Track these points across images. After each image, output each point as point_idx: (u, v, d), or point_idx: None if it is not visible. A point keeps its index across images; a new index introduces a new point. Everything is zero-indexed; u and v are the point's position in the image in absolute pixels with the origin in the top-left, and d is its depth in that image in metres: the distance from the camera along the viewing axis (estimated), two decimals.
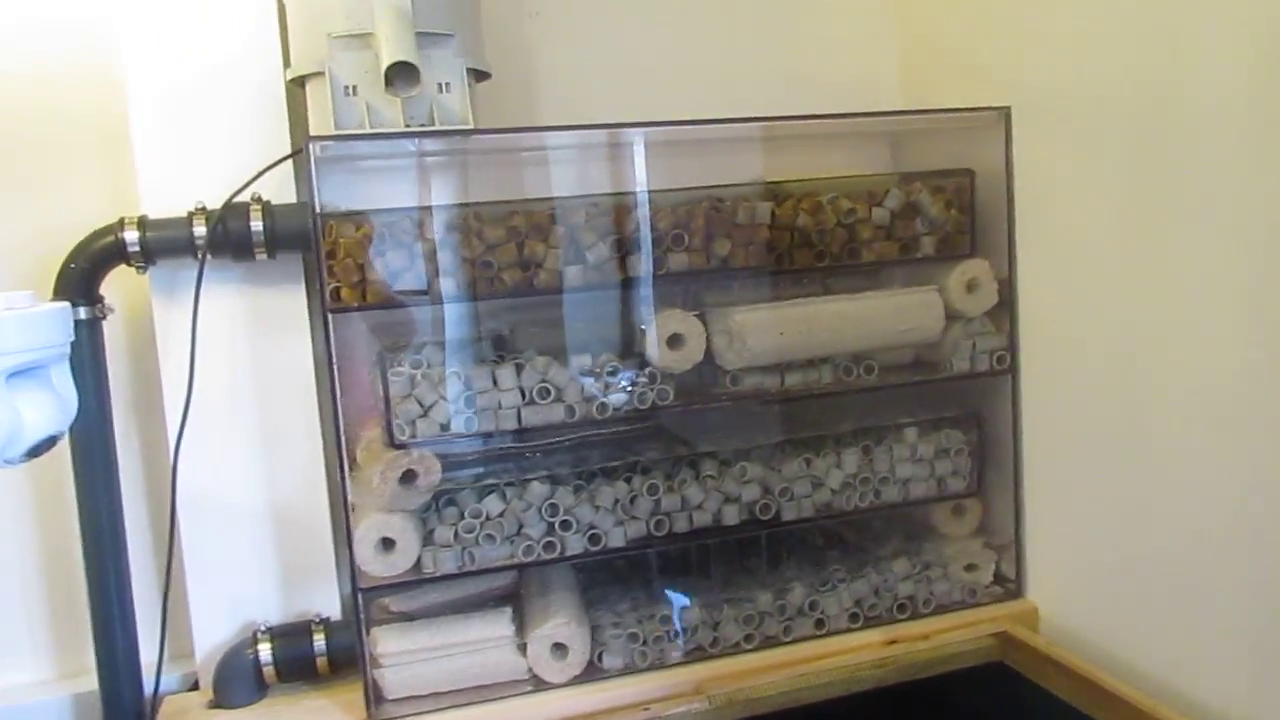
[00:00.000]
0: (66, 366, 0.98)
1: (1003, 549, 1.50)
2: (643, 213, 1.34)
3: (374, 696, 1.31)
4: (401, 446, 1.29)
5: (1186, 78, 1.13)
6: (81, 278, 1.28)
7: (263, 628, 1.38)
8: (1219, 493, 1.15)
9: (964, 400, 1.50)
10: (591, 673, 1.36)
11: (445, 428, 1.29)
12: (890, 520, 1.55)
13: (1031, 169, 1.40)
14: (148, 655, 1.38)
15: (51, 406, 0.96)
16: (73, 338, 0.98)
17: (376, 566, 1.30)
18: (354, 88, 1.25)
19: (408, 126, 1.26)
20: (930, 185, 1.44)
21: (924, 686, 1.37)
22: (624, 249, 1.33)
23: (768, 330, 1.38)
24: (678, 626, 1.39)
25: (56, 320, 0.95)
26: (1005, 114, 1.42)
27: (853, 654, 1.39)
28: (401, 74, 1.21)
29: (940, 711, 1.38)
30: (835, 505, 1.44)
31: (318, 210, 1.23)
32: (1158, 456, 1.23)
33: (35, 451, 0.95)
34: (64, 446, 1.29)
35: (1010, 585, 1.50)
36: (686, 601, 1.42)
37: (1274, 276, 1.05)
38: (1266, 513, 1.09)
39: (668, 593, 1.43)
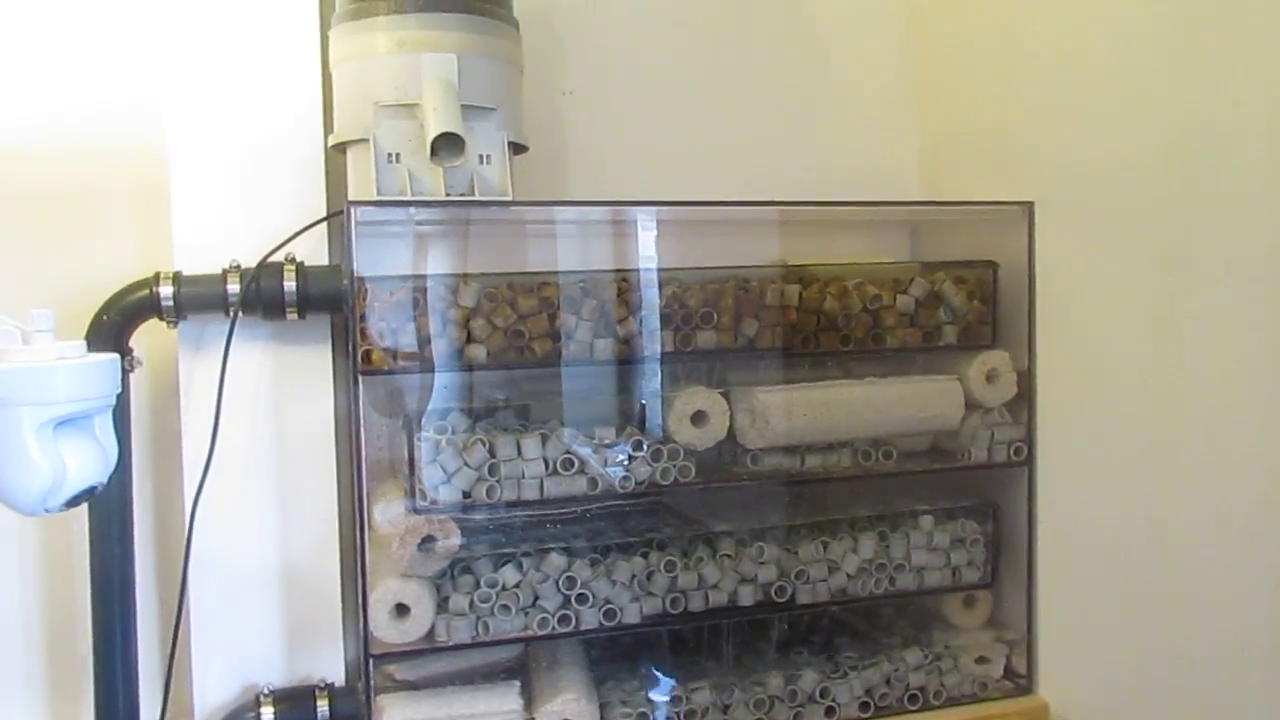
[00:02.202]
0: (110, 418, 0.98)
1: (1015, 643, 1.50)
2: (673, 290, 1.35)
3: None
4: (423, 512, 1.28)
5: (1208, 174, 1.16)
6: (113, 330, 1.28)
7: (266, 690, 1.35)
8: (1236, 600, 1.15)
9: (980, 490, 1.51)
10: None
11: (468, 495, 1.29)
12: (901, 609, 1.55)
13: (1053, 262, 1.43)
14: (146, 713, 1.36)
15: (95, 457, 0.96)
16: (119, 389, 0.97)
17: (390, 633, 1.28)
18: (397, 155, 1.27)
19: (448, 195, 1.27)
20: (953, 275, 1.47)
21: None
22: (652, 325, 1.34)
23: (790, 411, 1.39)
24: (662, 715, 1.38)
25: (105, 371, 0.95)
26: (1029, 209, 1.44)
27: None
28: (446, 144, 1.23)
29: None
30: (850, 590, 1.43)
31: (355, 273, 1.24)
32: (1174, 557, 1.23)
33: (74, 501, 0.95)
34: None
35: (1021, 680, 1.49)
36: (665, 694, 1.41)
37: None
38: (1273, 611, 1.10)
39: (659, 674, 1.42)
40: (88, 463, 0.94)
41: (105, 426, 0.97)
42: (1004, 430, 1.46)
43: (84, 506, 1.29)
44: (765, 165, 1.66)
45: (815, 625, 1.51)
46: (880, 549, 1.44)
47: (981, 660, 1.49)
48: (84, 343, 0.96)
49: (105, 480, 0.97)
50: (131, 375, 1.31)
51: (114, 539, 1.30)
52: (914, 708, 1.45)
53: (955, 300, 1.45)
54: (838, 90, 1.69)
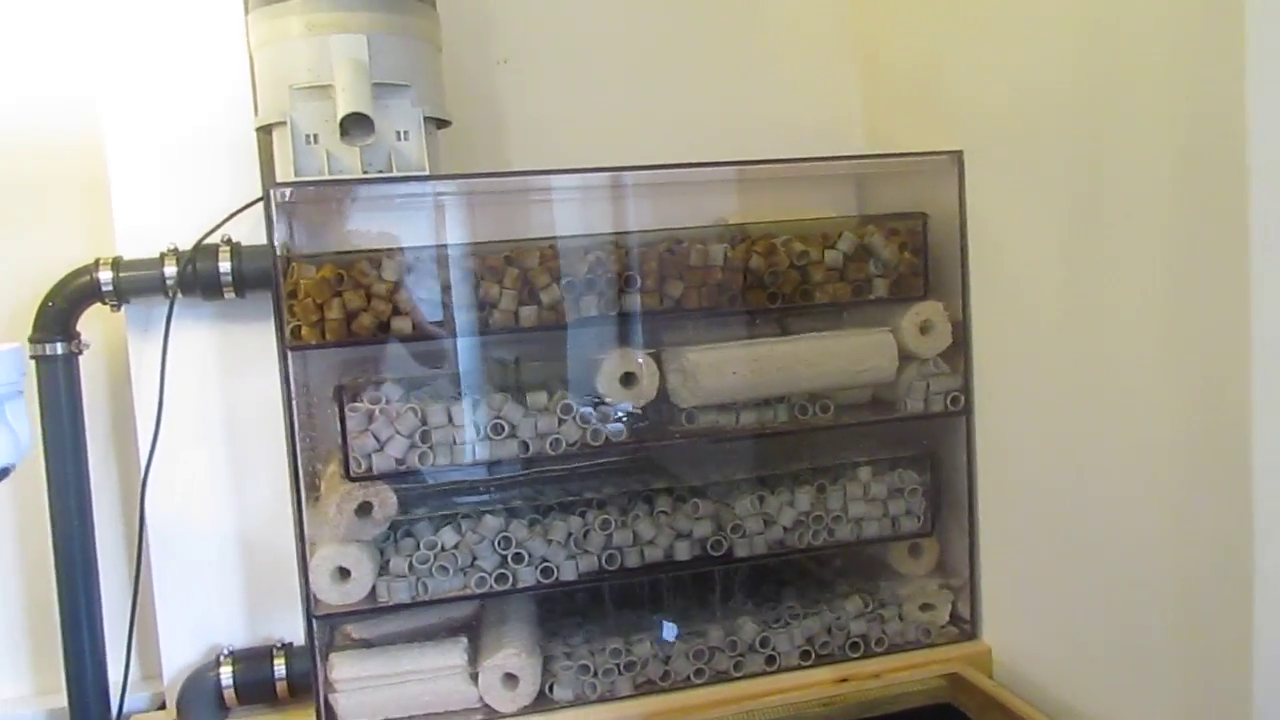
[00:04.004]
0: (21, 403, 1.04)
1: (959, 589, 1.51)
2: (596, 256, 1.38)
3: None
4: (358, 479, 1.33)
5: (1121, 121, 1.15)
6: (59, 315, 1.35)
7: (226, 651, 1.43)
8: (1151, 537, 1.16)
9: (919, 440, 1.52)
10: (541, 703, 1.39)
11: (401, 462, 1.34)
12: (848, 559, 1.57)
13: (984, 211, 1.42)
14: (118, 674, 1.44)
15: (5, 441, 1.02)
16: (23, 375, 1.03)
17: (332, 595, 1.34)
18: (315, 136, 1.31)
19: (365, 173, 1.31)
20: (884, 228, 1.47)
21: None
22: (579, 290, 1.37)
23: (720, 369, 1.41)
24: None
25: (10, 360, 1.01)
26: (958, 157, 1.44)
27: (803, 691, 1.41)
28: (357, 124, 1.26)
29: None
30: (788, 543, 1.46)
31: (278, 253, 1.29)
32: (1098, 499, 1.24)
33: None
34: (39, 474, 1.36)
35: (965, 626, 1.50)
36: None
37: (1193, 316, 1.06)
38: (1196, 558, 1.10)
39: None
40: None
41: (16, 410, 1.03)
42: (940, 380, 1.47)
43: (43, 483, 1.37)
44: (711, 125, 1.66)
45: (758, 578, 1.54)
46: (817, 501, 1.46)
47: (926, 607, 1.51)
48: None
49: (17, 461, 1.03)
50: (81, 358, 1.38)
51: (73, 514, 1.38)
52: (855, 655, 1.47)
53: (885, 253, 1.46)
54: (779, 46, 1.68)
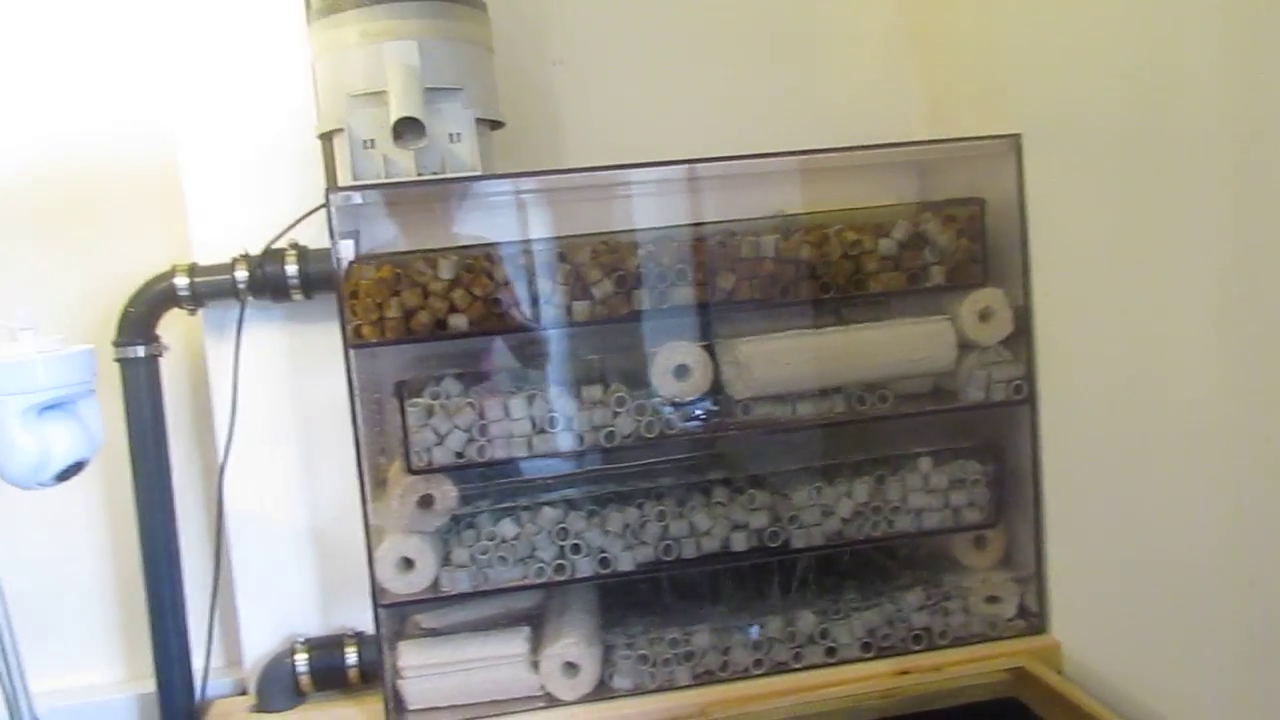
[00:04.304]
0: (93, 401, 1.11)
1: (1027, 582, 1.48)
2: (647, 250, 1.39)
3: (395, 706, 1.40)
4: (419, 473, 1.38)
5: (1183, 103, 1.11)
6: (139, 320, 1.42)
7: (301, 639, 1.49)
8: (1219, 530, 1.12)
9: (982, 430, 1.49)
10: (601, 692, 1.41)
11: (460, 455, 1.38)
12: (909, 551, 1.55)
13: (1045, 196, 1.39)
14: (202, 662, 1.51)
15: (78, 436, 1.09)
16: (95, 374, 1.10)
17: (397, 584, 1.39)
18: (372, 141, 1.35)
19: (420, 175, 1.35)
20: (941, 214, 1.45)
21: (932, 718, 1.37)
22: (628, 285, 1.39)
23: (774, 361, 1.41)
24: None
25: (82, 361, 1.08)
26: (1016, 142, 1.41)
27: (862, 683, 1.40)
28: (409, 128, 1.30)
29: None
30: (846, 534, 1.45)
31: (340, 255, 1.34)
32: (1165, 489, 1.20)
33: (64, 475, 1.08)
34: (127, 473, 1.44)
35: (1033, 620, 1.47)
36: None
37: (1258, 300, 1.03)
38: (1266, 550, 1.06)
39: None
40: (72, 441, 1.07)
41: (89, 408, 1.10)
42: (1002, 369, 1.44)
43: (130, 481, 1.45)
44: (768, 117, 1.66)
45: (818, 569, 1.53)
46: (876, 492, 1.45)
47: (992, 600, 1.48)
48: (62, 337, 1.09)
49: (91, 456, 1.10)
50: (163, 360, 1.45)
51: (156, 508, 1.45)
52: (917, 647, 1.46)
53: (941, 240, 1.44)
54: (836, 33, 1.67)
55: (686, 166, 1.48)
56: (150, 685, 1.52)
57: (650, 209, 1.51)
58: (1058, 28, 1.32)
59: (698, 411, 1.43)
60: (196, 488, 1.57)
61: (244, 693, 1.53)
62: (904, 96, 1.67)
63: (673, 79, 1.63)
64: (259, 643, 1.51)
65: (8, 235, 1.51)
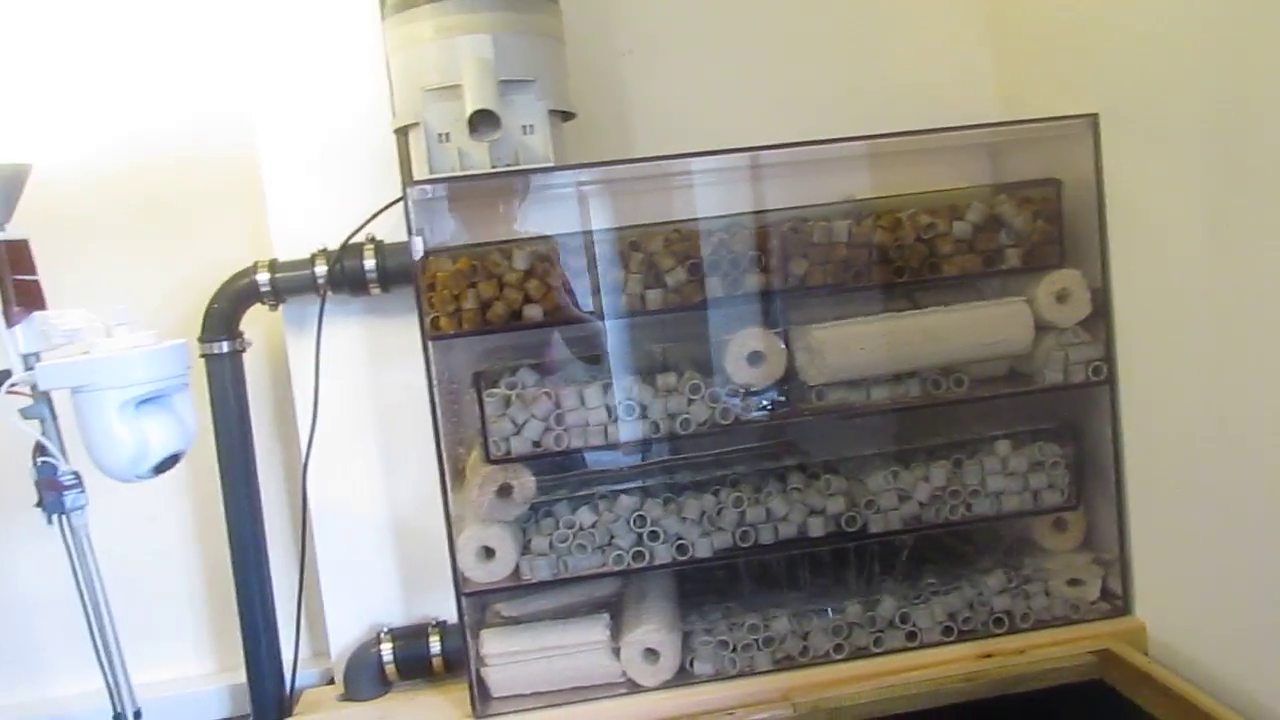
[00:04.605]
0: (187, 394, 1.14)
1: (1110, 564, 1.47)
2: (720, 237, 1.40)
3: (479, 694, 1.42)
4: (497, 462, 1.39)
5: (1268, 78, 1.10)
6: (223, 316, 1.45)
7: (385, 629, 1.51)
8: None
9: (1060, 412, 1.48)
10: (682, 677, 1.42)
11: (537, 444, 1.39)
12: (988, 534, 1.54)
13: (1123, 176, 1.38)
14: (291, 653, 1.54)
15: (174, 429, 1.12)
16: (189, 368, 1.13)
17: (478, 573, 1.41)
18: (447, 135, 1.37)
19: (494, 167, 1.36)
20: (1016, 197, 1.44)
21: (1016, 702, 1.36)
22: (703, 272, 1.39)
23: (847, 346, 1.41)
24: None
25: (176, 355, 1.11)
26: (1093, 121, 1.39)
27: (944, 666, 1.40)
28: (484, 120, 1.32)
29: None
30: (924, 518, 1.45)
31: (418, 247, 1.36)
32: (1254, 466, 1.18)
33: (161, 468, 1.11)
34: (214, 468, 1.47)
35: (1117, 602, 1.46)
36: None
37: None
38: None
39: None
40: (168, 434, 1.10)
41: (183, 401, 1.13)
42: (1080, 350, 1.43)
43: (217, 475, 1.48)
44: (839, 102, 1.65)
45: (896, 554, 1.52)
46: (954, 475, 1.45)
47: (1075, 583, 1.47)
48: (155, 332, 1.12)
49: (187, 448, 1.13)
50: (245, 355, 1.48)
51: (242, 500, 1.48)
52: (999, 631, 1.45)
53: (1017, 222, 1.43)
54: (907, 16, 1.66)
55: (755, 153, 1.48)
56: (240, 676, 1.55)
57: (719, 197, 1.51)
58: (1137, 5, 1.30)
59: (768, 399, 1.43)
60: (278, 481, 1.60)
61: (331, 682, 1.56)
62: (975, 78, 1.66)
63: (741, 67, 1.63)
64: (344, 633, 1.54)
65: (92, 234, 1.55)
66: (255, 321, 1.52)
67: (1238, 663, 1.26)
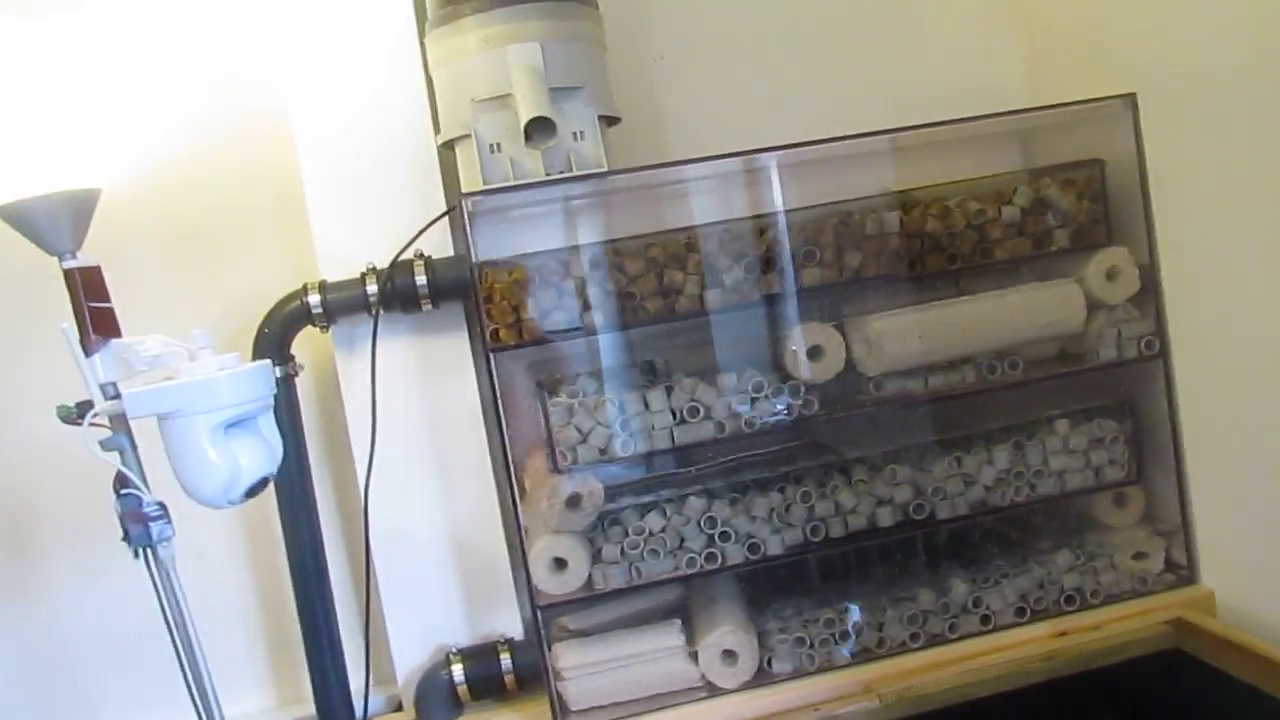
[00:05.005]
0: (271, 416, 1.12)
1: (1171, 535, 1.49)
2: (774, 233, 1.40)
3: (559, 708, 1.40)
4: (565, 472, 1.38)
5: None
6: (274, 340, 1.43)
7: (454, 649, 1.49)
8: None
9: (1114, 389, 1.49)
10: (761, 677, 1.41)
11: (604, 451, 1.38)
12: (1050, 514, 1.55)
13: (1164, 153, 1.40)
14: (355, 681, 1.51)
15: (262, 452, 1.09)
16: (274, 390, 1.10)
17: (551, 585, 1.39)
18: (498, 145, 1.36)
19: (548, 175, 1.36)
20: (1059, 179, 1.46)
21: (1098, 676, 1.37)
22: (759, 269, 1.39)
23: (906, 335, 1.42)
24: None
25: (261, 376, 1.09)
26: (1132, 101, 1.42)
27: (1021, 648, 1.41)
28: (539, 128, 1.31)
29: (1116, 699, 1.37)
30: (990, 501, 1.46)
31: (475, 260, 1.35)
32: None
33: (252, 492, 1.08)
34: (270, 492, 1.44)
35: (1182, 572, 1.48)
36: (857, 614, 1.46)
37: None
38: None
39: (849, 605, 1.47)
40: (257, 457, 1.08)
41: (268, 424, 1.10)
42: (1132, 326, 1.45)
43: (275, 502, 1.45)
44: (869, 99, 1.67)
45: (963, 539, 1.53)
46: (1016, 458, 1.46)
47: (1139, 556, 1.49)
48: (238, 355, 1.09)
49: (275, 470, 1.10)
50: (296, 380, 1.46)
51: (302, 527, 1.45)
52: (1071, 608, 1.46)
53: (1063, 203, 1.45)
54: (932, 9, 1.69)
55: (792, 150, 1.49)
56: (302, 709, 1.53)
57: (758, 196, 1.51)
58: None
59: (816, 398, 1.44)
60: (329, 506, 1.57)
61: (399, 708, 1.53)
62: (1001, 66, 1.69)
63: (771, 68, 1.65)
64: (410, 657, 1.51)
65: (125, 262, 1.51)
66: (298, 345, 1.49)
67: None
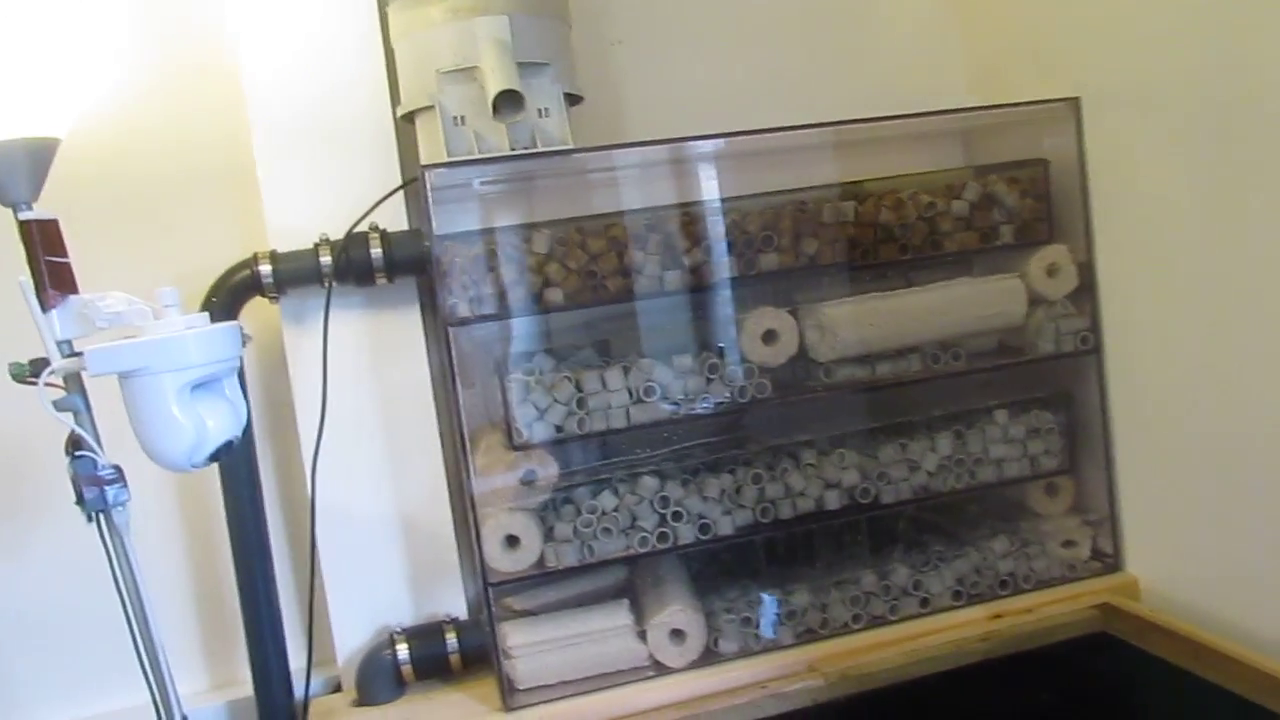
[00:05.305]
0: (236, 379, 1.08)
1: (1099, 525, 1.55)
2: (733, 218, 1.42)
3: (507, 687, 1.39)
4: (520, 448, 1.37)
5: (1258, 59, 1.18)
6: (222, 310, 1.38)
7: (398, 629, 1.46)
8: None
9: (1051, 381, 1.55)
10: (709, 657, 1.43)
11: (560, 429, 1.38)
12: (985, 502, 1.60)
13: (1105, 155, 1.46)
14: (298, 662, 1.48)
15: (228, 414, 1.06)
16: (242, 353, 1.07)
17: (504, 562, 1.38)
18: (462, 118, 1.35)
19: (513, 150, 1.35)
20: (1006, 177, 1.51)
21: (1031, 657, 1.42)
22: (717, 253, 1.41)
23: (857, 323, 1.45)
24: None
25: (229, 337, 1.06)
26: (1075, 104, 1.48)
27: (958, 630, 1.45)
28: (507, 102, 1.30)
29: (1049, 679, 1.42)
30: (932, 487, 1.50)
31: (435, 233, 1.33)
32: (1246, 424, 1.27)
33: (215, 456, 1.05)
34: (202, 473, 1.40)
35: (1108, 559, 1.54)
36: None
37: None
38: None
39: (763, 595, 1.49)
40: (223, 419, 1.05)
41: (233, 386, 1.07)
42: (1069, 321, 1.51)
43: (216, 477, 1.41)
44: (816, 93, 1.71)
45: (904, 525, 1.57)
46: (958, 445, 1.50)
47: (1068, 544, 1.54)
48: (208, 314, 1.06)
49: (240, 434, 1.07)
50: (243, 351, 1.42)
51: (246, 503, 1.42)
52: (1005, 593, 1.51)
53: (1009, 200, 1.50)
54: (881, 7, 1.73)
55: (749, 138, 1.50)
56: (238, 691, 1.48)
57: (716, 181, 1.53)
58: None
59: (769, 382, 1.46)
60: (270, 481, 1.53)
61: (337, 689, 1.50)
62: (947, 65, 1.74)
63: (726, 57, 1.67)
64: (351, 637, 1.48)
65: (77, 223, 1.46)
66: (240, 317, 1.45)
67: (1226, 602, 1.35)
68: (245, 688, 1.48)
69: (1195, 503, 1.38)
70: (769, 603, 1.46)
